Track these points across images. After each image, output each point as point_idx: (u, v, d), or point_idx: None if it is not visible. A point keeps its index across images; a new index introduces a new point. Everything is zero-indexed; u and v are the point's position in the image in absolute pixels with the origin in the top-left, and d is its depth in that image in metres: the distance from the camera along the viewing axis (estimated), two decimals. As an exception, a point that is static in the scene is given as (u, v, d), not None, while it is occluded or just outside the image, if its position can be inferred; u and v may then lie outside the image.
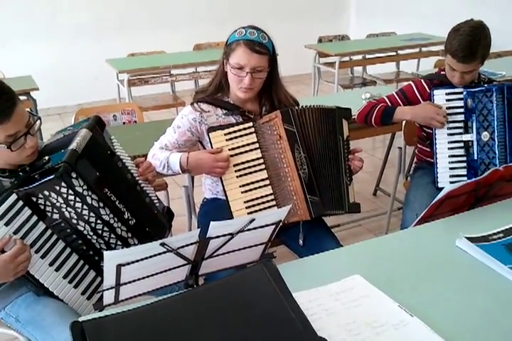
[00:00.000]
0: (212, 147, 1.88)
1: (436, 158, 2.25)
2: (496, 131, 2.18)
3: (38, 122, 1.50)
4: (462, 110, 2.21)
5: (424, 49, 5.19)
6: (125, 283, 1.18)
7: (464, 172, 2.23)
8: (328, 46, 5.05)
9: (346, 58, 4.96)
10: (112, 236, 1.51)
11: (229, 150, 1.87)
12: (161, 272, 1.21)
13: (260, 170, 1.88)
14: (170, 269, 1.22)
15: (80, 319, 1.07)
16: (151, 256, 1.14)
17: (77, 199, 1.42)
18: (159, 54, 4.71)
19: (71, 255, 1.49)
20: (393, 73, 5.28)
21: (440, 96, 2.23)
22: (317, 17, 6.60)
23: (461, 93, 2.20)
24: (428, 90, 2.31)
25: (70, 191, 1.40)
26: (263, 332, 1.05)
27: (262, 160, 1.88)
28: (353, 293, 1.26)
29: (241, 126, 1.89)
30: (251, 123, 1.89)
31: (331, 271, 1.38)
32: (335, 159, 1.92)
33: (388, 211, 2.96)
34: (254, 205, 1.87)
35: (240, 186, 1.88)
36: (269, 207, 1.88)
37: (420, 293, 1.30)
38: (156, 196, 1.76)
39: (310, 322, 1.06)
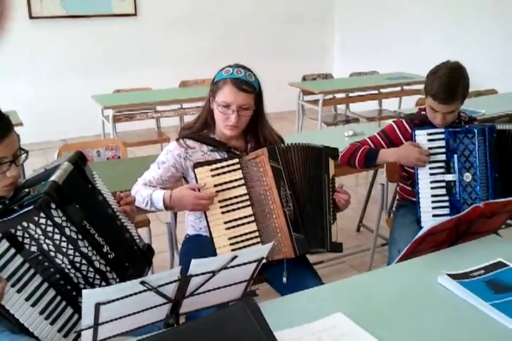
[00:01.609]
0: (197, 183, 1.88)
1: (419, 198, 2.25)
2: (478, 172, 2.19)
3: (24, 156, 1.52)
4: (444, 150, 2.22)
5: (405, 87, 5.31)
6: (104, 323, 1.15)
7: (446, 211, 2.22)
8: (312, 84, 5.15)
9: (330, 96, 5.04)
10: (90, 269, 1.49)
11: (214, 186, 1.87)
12: (141, 311, 1.19)
13: (245, 206, 1.88)
14: (150, 308, 1.20)
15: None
16: (130, 295, 1.12)
17: (56, 230, 1.41)
18: (145, 90, 4.75)
19: (48, 290, 1.46)
20: (376, 111, 5.37)
21: (422, 136, 2.24)
22: (302, 56, 6.75)
23: (443, 133, 2.22)
24: (409, 130, 2.32)
25: (49, 222, 1.39)
26: (244, 372, 1.03)
27: (247, 197, 1.88)
28: (336, 331, 1.25)
29: (227, 163, 1.89)
30: (237, 160, 1.90)
31: (313, 309, 1.37)
32: (319, 197, 1.93)
33: (371, 247, 2.96)
34: (238, 242, 1.86)
35: (225, 222, 1.87)
36: (254, 243, 1.86)
37: (402, 330, 1.30)
38: (137, 232, 1.75)
39: (292, 362, 1.05)
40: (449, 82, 2.14)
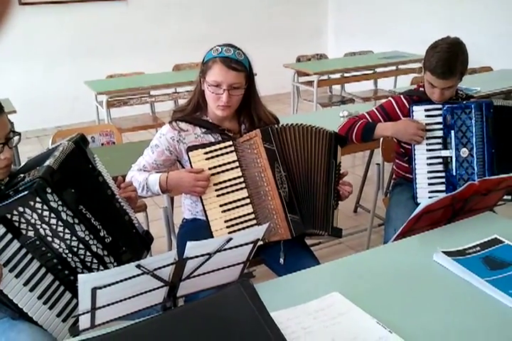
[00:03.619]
0: (191, 166, 1.88)
1: (415, 174, 2.26)
2: (474, 148, 2.19)
3: (17, 138, 1.52)
4: (441, 126, 2.23)
5: (401, 66, 5.27)
6: (101, 307, 1.16)
7: (442, 187, 2.24)
8: (306, 65, 5.12)
9: (325, 77, 5.01)
10: (88, 253, 1.50)
11: (209, 169, 1.87)
12: (138, 295, 1.20)
13: (240, 188, 1.88)
14: (147, 291, 1.21)
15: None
16: (126, 279, 1.12)
17: (52, 215, 1.41)
18: (138, 75, 4.71)
19: (46, 275, 1.47)
20: (371, 91, 5.35)
21: (419, 112, 2.25)
22: (296, 37, 6.69)
23: (440, 109, 2.22)
24: (407, 106, 2.32)
25: (45, 206, 1.39)
26: (242, 353, 1.04)
27: (242, 179, 1.88)
28: (332, 310, 1.25)
29: (221, 145, 1.88)
30: (231, 142, 1.89)
31: (309, 288, 1.38)
32: (325, 180, 1.91)
33: (368, 228, 2.97)
34: (234, 224, 1.86)
35: (220, 205, 1.87)
36: (250, 226, 1.86)
37: (399, 308, 1.30)
38: (136, 218, 1.75)
39: (289, 342, 1.06)
40: (448, 57, 2.13)
